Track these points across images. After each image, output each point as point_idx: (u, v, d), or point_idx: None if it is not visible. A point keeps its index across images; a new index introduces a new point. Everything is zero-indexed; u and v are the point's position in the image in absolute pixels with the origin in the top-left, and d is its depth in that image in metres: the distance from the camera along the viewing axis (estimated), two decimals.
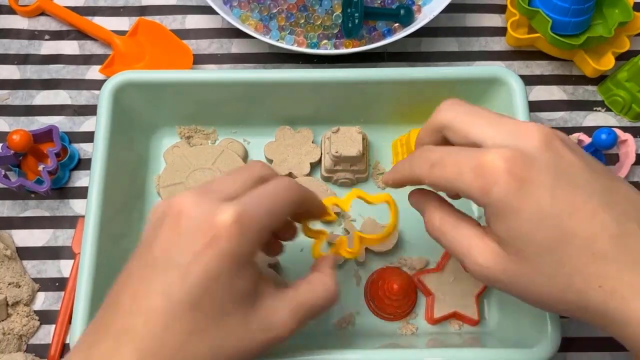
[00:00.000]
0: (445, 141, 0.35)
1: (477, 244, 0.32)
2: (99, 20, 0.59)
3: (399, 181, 0.37)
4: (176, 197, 0.32)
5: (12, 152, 0.49)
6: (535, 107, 0.56)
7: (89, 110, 0.55)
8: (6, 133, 0.51)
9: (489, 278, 0.32)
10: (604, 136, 0.49)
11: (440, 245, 0.35)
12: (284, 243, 0.49)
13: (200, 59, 0.58)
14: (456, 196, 0.39)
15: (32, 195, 0.52)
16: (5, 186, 0.50)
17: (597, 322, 0.30)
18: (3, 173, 0.50)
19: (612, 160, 0.54)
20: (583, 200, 0.29)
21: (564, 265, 0.30)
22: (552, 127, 0.54)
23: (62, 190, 0.53)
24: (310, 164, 0.51)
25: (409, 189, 0.39)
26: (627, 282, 0.28)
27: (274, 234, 0.38)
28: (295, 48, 0.54)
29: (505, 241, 0.31)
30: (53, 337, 0.48)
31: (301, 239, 0.50)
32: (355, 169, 0.50)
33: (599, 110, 0.56)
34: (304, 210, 0.38)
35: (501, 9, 0.60)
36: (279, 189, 0.33)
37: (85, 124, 0.55)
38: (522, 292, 0.32)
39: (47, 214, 0.52)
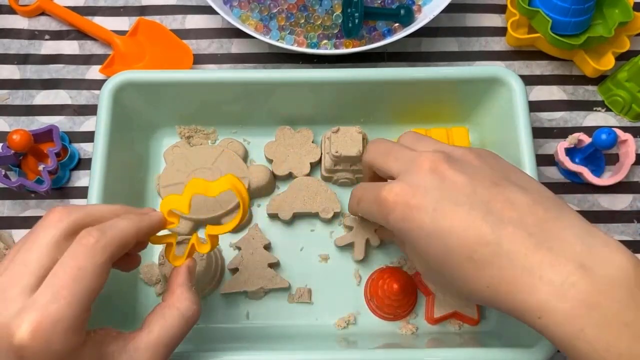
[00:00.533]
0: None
1: (384, 187, 0.37)
2: (99, 20, 0.59)
3: (353, 214, 0.45)
4: None
5: (12, 151, 0.49)
6: (535, 107, 0.56)
7: (89, 110, 0.55)
8: (6, 133, 0.51)
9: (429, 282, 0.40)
10: (604, 136, 0.49)
11: (366, 216, 0.41)
12: (280, 242, 0.49)
13: (200, 59, 0.58)
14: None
15: (32, 195, 0.52)
16: (5, 186, 0.50)
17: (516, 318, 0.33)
18: (3, 173, 0.50)
19: (612, 160, 0.54)
20: (462, 216, 0.33)
21: (455, 275, 0.33)
22: (553, 128, 0.54)
23: (62, 190, 0.53)
24: (310, 164, 0.51)
25: None
26: (507, 280, 0.31)
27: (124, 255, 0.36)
28: (295, 48, 0.54)
29: (411, 256, 0.38)
30: None
31: (300, 237, 0.50)
32: (355, 169, 0.50)
33: (599, 110, 0.56)
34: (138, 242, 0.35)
35: (501, 9, 0.60)
36: (80, 261, 0.30)
37: (86, 124, 0.55)
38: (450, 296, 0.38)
39: None
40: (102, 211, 0.35)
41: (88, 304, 0.31)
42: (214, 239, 0.40)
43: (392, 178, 0.37)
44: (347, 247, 0.49)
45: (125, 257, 0.36)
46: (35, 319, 0.29)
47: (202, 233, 0.50)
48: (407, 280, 0.46)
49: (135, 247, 0.36)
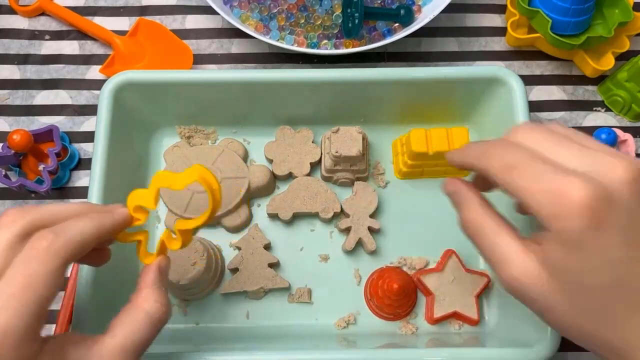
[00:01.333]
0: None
1: (517, 257, 0.31)
2: (99, 20, 0.59)
3: (467, 166, 0.35)
4: None
5: (13, 151, 0.49)
6: (535, 107, 0.56)
7: (89, 110, 0.55)
8: (6, 133, 0.51)
9: (522, 294, 0.31)
10: (603, 136, 0.49)
11: (473, 244, 0.34)
12: (280, 242, 0.49)
13: (200, 59, 0.58)
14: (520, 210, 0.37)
15: (32, 195, 0.52)
16: (5, 186, 0.50)
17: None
18: (3, 173, 0.50)
19: None
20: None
21: (606, 311, 0.29)
22: None
23: (62, 190, 0.53)
24: (310, 164, 0.51)
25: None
26: None
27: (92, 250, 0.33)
28: (295, 48, 0.54)
29: (554, 268, 0.30)
30: None
31: (300, 237, 0.50)
32: (355, 169, 0.50)
33: (599, 110, 0.56)
34: (102, 240, 0.33)
35: (501, 9, 0.60)
36: (32, 267, 0.29)
37: (86, 124, 0.55)
38: (552, 318, 0.31)
39: None
40: (61, 211, 0.32)
41: (40, 312, 0.29)
42: (185, 235, 0.37)
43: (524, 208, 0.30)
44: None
45: (93, 252, 0.34)
46: None
47: (202, 233, 0.50)
48: (407, 281, 0.46)
49: (102, 243, 0.35)
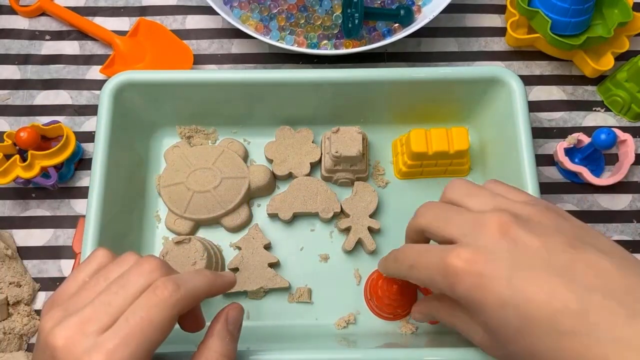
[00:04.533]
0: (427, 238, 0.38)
1: (470, 328, 0.35)
2: (99, 21, 0.59)
3: (391, 273, 0.40)
4: (55, 330, 0.31)
5: (18, 148, 0.50)
6: (534, 107, 0.56)
7: (90, 110, 0.56)
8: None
9: (490, 355, 0.36)
10: (603, 136, 0.49)
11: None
12: (280, 242, 0.49)
13: (200, 59, 0.58)
14: None
15: (33, 195, 0.52)
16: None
17: None
18: None
19: (611, 160, 0.54)
20: (541, 282, 0.30)
21: (536, 347, 0.30)
22: (553, 128, 0.54)
23: (63, 190, 0.53)
24: (310, 164, 0.51)
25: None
26: (597, 354, 0.28)
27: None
28: (295, 48, 0.54)
29: (484, 329, 0.34)
30: None
31: (300, 236, 0.50)
32: (356, 169, 0.50)
33: (599, 111, 0.56)
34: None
35: (501, 9, 0.60)
36: (152, 314, 0.31)
37: (86, 124, 0.55)
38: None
39: (47, 213, 0.52)
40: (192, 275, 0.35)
41: (149, 355, 0.31)
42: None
43: (448, 242, 0.34)
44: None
45: (191, 317, 0.36)
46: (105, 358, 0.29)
47: (202, 233, 0.50)
48: (406, 281, 0.46)
49: (194, 322, 0.37)
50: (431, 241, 0.38)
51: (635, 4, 0.56)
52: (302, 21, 0.56)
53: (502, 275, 0.31)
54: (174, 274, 0.34)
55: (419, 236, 0.38)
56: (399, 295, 0.45)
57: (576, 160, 0.53)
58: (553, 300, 0.29)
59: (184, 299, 0.32)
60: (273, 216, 0.50)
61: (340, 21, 0.55)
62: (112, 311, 0.31)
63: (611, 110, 0.56)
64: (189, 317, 0.36)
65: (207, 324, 0.36)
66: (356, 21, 0.52)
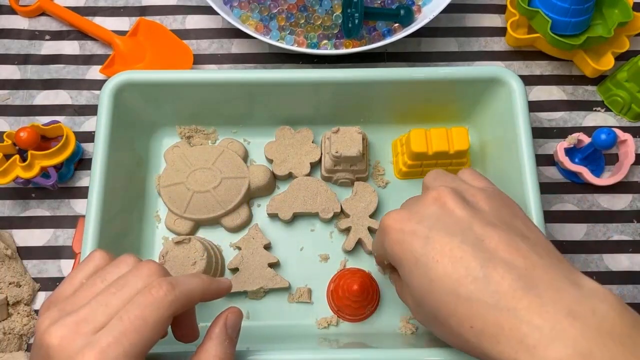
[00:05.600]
0: None
1: (404, 290, 0.38)
2: (99, 21, 0.59)
3: (379, 256, 0.42)
4: (50, 329, 0.31)
5: (18, 148, 0.50)
6: (535, 107, 0.56)
7: (90, 110, 0.56)
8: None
9: (416, 319, 0.38)
10: (603, 136, 0.49)
11: None
12: (280, 242, 0.49)
13: (200, 59, 0.58)
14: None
15: (33, 195, 0.52)
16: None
17: None
18: None
19: (611, 160, 0.54)
20: (452, 247, 0.32)
21: (439, 308, 0.33)
22: (553, 128, 0.54)
23: (63, 190, 0.53)
24: (310, 164, 0.51)
25: None
26: (491, 322, 0.30)
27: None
28: (295, 48, 0.54)
29: (406, 285, 0.36)
30: None
31: (300, 236, 0.50)
32: (356, 169, 0.50)
33: (599, 110, 0.56)
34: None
35: (501, 9, 0.60)
36: (146, 312, 0.31)
37: (86, 124, 0.55)
38: (433, 334, 0.36)
39: (47, 213, 0.52)
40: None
41: (142, 355, 0.31)
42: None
43: None
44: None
45: (186, 326, 0.36)
46: (93, 358, 0.29)
47: (202, 233, 0.50)
48: (367, 281, 0.46)
49: (188, 331, 0.37)
50: None
51: (635, 3, 0.56)
52: (302, 21, 0.56)
53: (421, 234, 0.33)
54: (174, 282, 0.34)
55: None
56: (359, 296, 0.45)
57: (576, 160, 0.53)
58: (459, 265, 0.32)
59: (179, 300, 0.32)
60: (273, 216, 0.50)
61: (340, 21, 0.55)
62: (109, 312, 0.31)
63: (611, 110, 0.56)
64: (183, 326, 0.36)
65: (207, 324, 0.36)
66: (356, 21, 0.52)
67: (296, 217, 0.50)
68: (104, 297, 0.32)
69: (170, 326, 0.37)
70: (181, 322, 0.36)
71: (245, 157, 0.52)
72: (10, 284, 0.48)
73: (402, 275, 0.35)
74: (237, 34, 0.58)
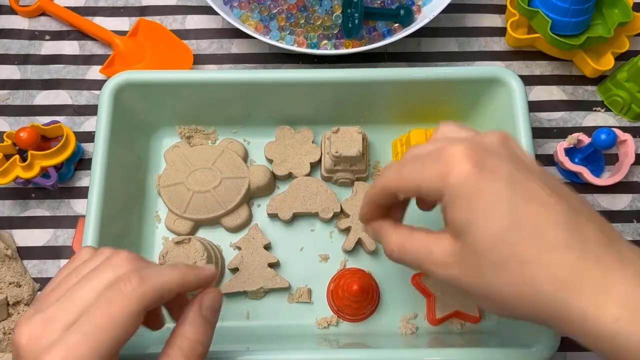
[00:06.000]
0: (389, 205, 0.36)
1: (433, 243, 0.32)
2: (99, 21, 0.59)
3: (370, 207, 0.37)
4: (20, 328, 0.30)
5: (18, 148, 0.50)
6: (535, 107, 0.56)
7: (90, 110, 0.55)
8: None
9: (451, 276, 0.31)
10: (603, 136, 0.49)
11: (405, 265, 0.35)
12: (280, 242, 0.48)
13: (200, 59, 0.58)
14: (424, 206, 0.38)
15: (33, 195, 0.52)
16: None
17: (552, 320, 0.29)
18: None
19: (611, 160, 0.54)
20: (537, 190, 0.29)
21: (515, 253, 0.29)
22: (553, 128, 0.54)
23: (63, 190, 0.53)
24: (310, 164, 0.51)
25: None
26: (580, 272, 0.28)
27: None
28: (295, 48, 0.54)
29: (459, 229, 0.30)
30: None
31: (300, 236, 0.50)
32: (356, 169, 0.50)
33: (599, 111, 0.56)
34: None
35: (501, 9, 0.60)
36: (113, 309, 0.30)
37: (86, 124, 0.55)
38: (476, 287, 0.30)
39: (47, 213, 0.52)
40: (168, 274, 0.33)
41: (113, 352, 0.30)
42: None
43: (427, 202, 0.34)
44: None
45: (153, 313, 0.35)
46: (59, 357, 0.29)
47: (202, 233, 0.50)
48: (368, 281, 0.46)
49: (154, 320, 0.36)
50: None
51: (635, 4, 0.56)
52: (302, 21, 0.56)
53: (504, 171, 0.30)
54: (146, 267, 0.32)
55: (383, 199, 0.35)
56: (359, 297, 0.45)
57: (576, 160, 0.53)
58: (547, 210, 0.29)
59: (148, 294, 0.31)
60: (273, 216, 0.50)
61: (340, 21, 0.55)
62: (77, 307, 0.30)
63: (611, 110, 0.56)
64: (176, 309, 0.35)
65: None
66: (356, 21, 0.52)
67: (296, 217, 0.50)
68: (73, 292, 0.31)
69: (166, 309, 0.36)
70: (172, 308, 0.35)
71: (245, 157, 0.52)
72: (10, 284, 0.48)
73: (457, 212, 0.30)
74: (237, 34, 0.58)
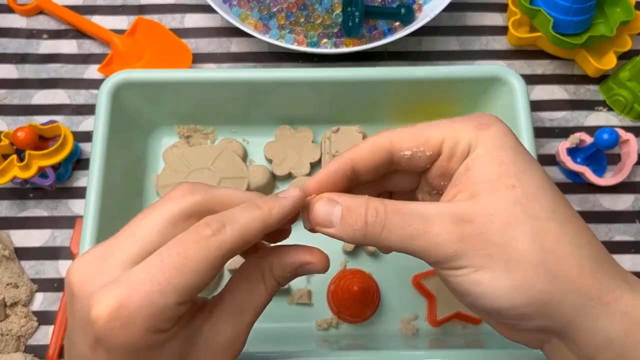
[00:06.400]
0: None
1: (434, 214, 0.27)
2: (97, 19, 0.59)
3: (337, 173, 0.30)
4: (71, 266, 0.27)
5: (15, 148, 0.49)
6: (536, 106, 0.55)
7: (88, 109, 0.55)
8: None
9: (452, 249, 0.27)
10: (605, 136, 0.48)
11: (389, 245, 0.28)
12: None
13: (199, 58, 0.57)
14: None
15: (31, 195, 0.52)
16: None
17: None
18: None
19: (613, 160, 0.54)
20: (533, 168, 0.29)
21: (516, 202, 0.27)
22: (555, 128, 0.54)
23: (61, 190, 0.52)
24: (310, 164, 0.51)
25: None
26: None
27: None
28: (295, 47, 0.53)
29: (489, 185, 0.27)
30: (51, 337, 0.48)
31: (300, 237, 0.50)
32: None
33: (601, 110, 0.56)
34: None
35: (502, 8, 0.59)
36: (189, 251, 0.26)
37: (84, 124, 0.55)
38: (478, 261, 0.26)
39: (45, 214, 0.52)
40: (232, 197, 0.29)
41: (184, 299, 0.26)
42: None
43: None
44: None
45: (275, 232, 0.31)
46: (121, 295, 0.25)
47: None
48: (368, 283, 0.45)
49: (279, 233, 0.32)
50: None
51: (637, 2, 0.56)
52: (302, 20, 0.56)
53: (514, 145, 0.29)
54: (210, 193, 0.29)
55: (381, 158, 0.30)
56: (359, 298, 0.44)
57: (578, 160, 0.52)
58: (535, 181, 0.29)
59: (230, 242, 0.27)
60: None
61: (340, 20, 0.55)
62: (139, 242, 0.27)
63: (614, 110, 0.56)
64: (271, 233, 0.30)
65: None
66: (356, 20, 0.52)
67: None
68: (130, 226, 0.28)
69: None
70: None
71: (245, 157, 0.52)
72: (7, 285, 0.48)
73: (499, 171, 0.27)
74: (237, 32, 0.57)
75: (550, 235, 0.27)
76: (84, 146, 0.54)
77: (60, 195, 0.52)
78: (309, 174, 0.50)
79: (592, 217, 0.52)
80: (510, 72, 0.48)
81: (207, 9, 0.57)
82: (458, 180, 0.29)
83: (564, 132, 0.54)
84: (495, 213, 0.27)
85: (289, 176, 0.51)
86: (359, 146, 0.30)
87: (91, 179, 0.45)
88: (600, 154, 0.52)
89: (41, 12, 0.59)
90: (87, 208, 0.44)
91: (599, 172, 0.53)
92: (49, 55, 0.57)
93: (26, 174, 0.48)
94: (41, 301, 0.49)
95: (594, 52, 0.55)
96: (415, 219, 0.27)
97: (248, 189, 0.49)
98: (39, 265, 0.50)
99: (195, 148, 0.51)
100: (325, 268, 0.31)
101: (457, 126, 0.29)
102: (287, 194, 0.29)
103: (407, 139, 0.29)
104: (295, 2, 0.55)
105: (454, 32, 0.59)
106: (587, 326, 0.26)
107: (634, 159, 0.51)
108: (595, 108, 0.56)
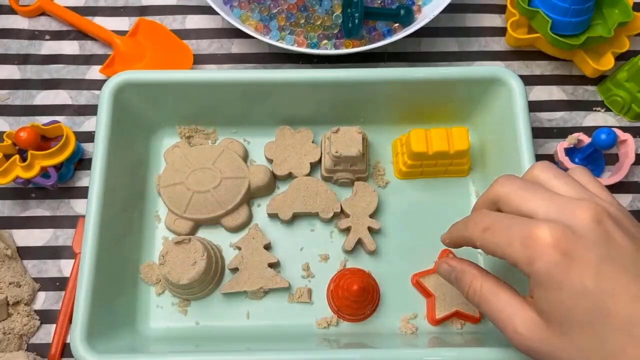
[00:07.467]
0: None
1: (517, 312, 0.33)
2: (99, 21, 0.59)
3: (454, 240, 0.38)
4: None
5: (18, 148, 0.50)
6: (535, 107, 0.56)
7: (90, 110, 0.55)
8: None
9: (529, 347, 0.33)
10: (603, 136, 0.49)
11: (480, 310, 0.38)
12: (280, 242, 0.46)
13: (200, 59, 0.58)
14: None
15: (33, 195, 0.52)
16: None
17: None
18: None
19: (611, 160, 0.54)
20: (626, 282, 0.30)
21: (602, 344, 0.30)
22: (553, 128, 0.54)
23: (63, 190, 0.53)
24: (310, 164, 0.51)
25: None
26: None
27: None
28: (295, 48, 0.54)
29: (545, 313, 0.32)
30: (53, 336, 0.48)
31: (300, 236, 0.50)
32: (356, 169, 0.50)
33: (599, 111, 0.56)
34: None
35: (501, 9, 0.60)
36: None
37: (86, 124, 0.55)
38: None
39: (47, 213, 0.52)
40: None
41: None
42: None
43: (526, 216, 0.33)
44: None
45: None
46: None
47: (202, 233, 0.50)
48: (367, 281, 0.46)
49: None
50: None
51: (635, 3, 0.56)
52: (302, 21, 0.56)
53: (591, 262, 0.30)
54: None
55: (490, 208, 0.36)
56: (359, 297, 0.44)
57: (576, 160, 0.52)
58: (635, 303, 0.29)
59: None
60: (273, 216, 0.50)
61: (340, 21, 0.55)
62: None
63: (611, 110, 0.56)
64: None
65: None
66: (356, 21, 0.52)
67: (296, 217, 0.50)
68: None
69: None
70: None
71: (245, 157, 0.52)
72: (10, 284, 0.48)
73: (546, 300, 0.32)
74: (237, 33, 0.58)
75: None
76: (86, 146, 0.54)
77: (62, 195, 0.52)
78: (309, 174, 0.51)
79: None
80: (508, 73, 0.48)
81: (208, 10, 0.57)
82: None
83: (562, 133, 0.55)
84: None
85: (289, 176, 0.51)
86: (458, 228, 0.38)
87: (93, 179, 0.45)
88: (598, 154, 0.53)
89: (43, 13, 0.60)
90: (89, 208, 0.44)
91: (597, 172, 0.53)
92: (51, 56, 0.58)
93: (28, 174, 0.49)
94: (43, 300, 0.49)
95: (592, 53, 0.55)
96: (496, 314, 0.34)
97: (249, 188, 0.49)
98: (41, 265, 0.50)
99: (196, 148, 0.51)
100: None
101: (513, 254, 0.33)
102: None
103: (478, 242, 0.35)
104: (295, 4, 0.56)
105: (453, 33, 0.59)
106: None
107: (632, 159, 0.52)
108: (593, 108, 0.56)
